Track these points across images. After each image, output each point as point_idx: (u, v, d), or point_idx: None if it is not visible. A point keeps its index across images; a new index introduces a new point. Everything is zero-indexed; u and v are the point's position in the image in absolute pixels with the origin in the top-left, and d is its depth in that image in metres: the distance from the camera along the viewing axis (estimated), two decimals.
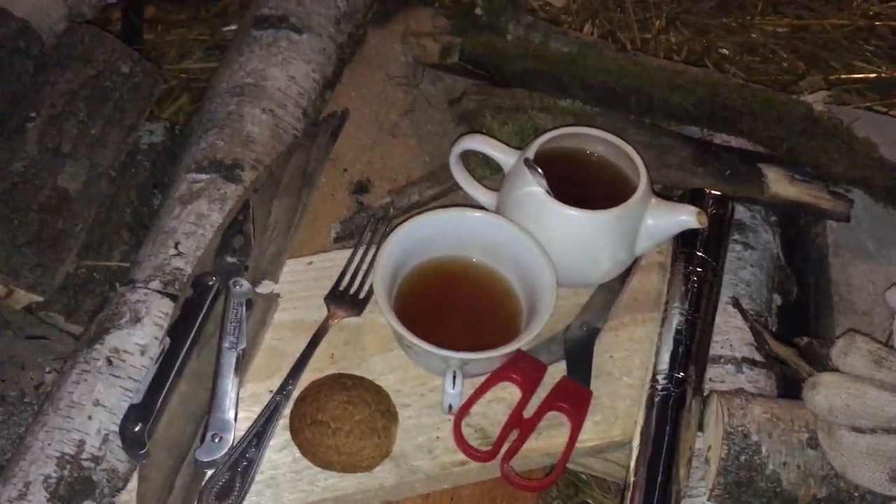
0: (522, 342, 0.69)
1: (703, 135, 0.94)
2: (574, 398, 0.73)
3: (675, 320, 0.77)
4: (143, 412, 0.65)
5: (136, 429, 0.64)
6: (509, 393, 0.73)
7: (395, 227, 0.74)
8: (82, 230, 0.81)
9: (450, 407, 0.68)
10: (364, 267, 0.78)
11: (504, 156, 0.78)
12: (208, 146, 0.86)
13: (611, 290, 0.80)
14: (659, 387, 0.73)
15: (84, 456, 0.67)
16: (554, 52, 0.99)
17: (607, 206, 0.74)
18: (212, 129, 0.88)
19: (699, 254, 0.81)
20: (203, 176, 0.83)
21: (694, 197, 0.84)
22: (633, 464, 0.70)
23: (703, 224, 0.75)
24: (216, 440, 0.65)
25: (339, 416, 0.67)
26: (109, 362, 0.70)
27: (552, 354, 0.75)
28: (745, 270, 0.86)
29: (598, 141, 0.79)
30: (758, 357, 0.79)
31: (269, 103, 0.90)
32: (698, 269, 0.80)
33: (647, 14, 1.25)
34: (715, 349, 0.80)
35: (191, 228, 0.80)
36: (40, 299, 0.80)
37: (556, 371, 0.75)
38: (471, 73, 0.99)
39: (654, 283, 0.82)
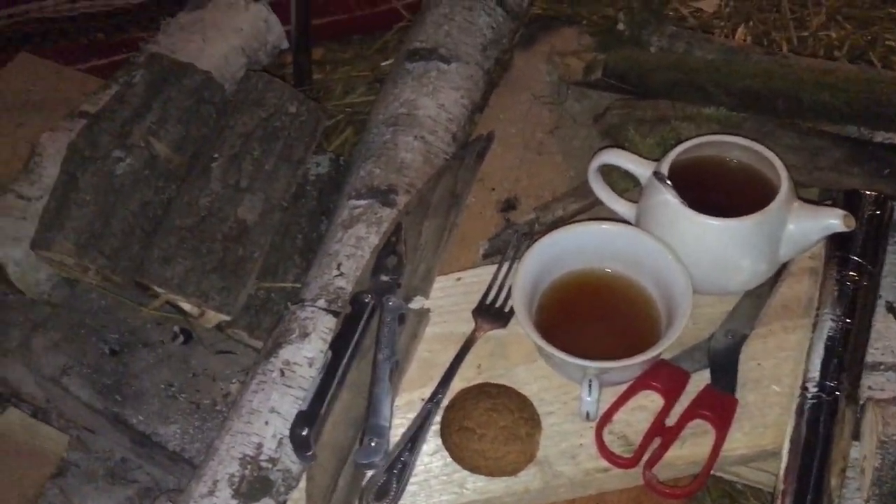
0: (659, 350, 0.70)
1: (861, 134, 0.91)
2: (718, 406, 0.73)
3: (827, 326, 0.75)
4: (309, 418, 0.72)
5: (304, 433, 0.71)
6: (652, 401, 0.75)
7: (533, 242, 0.77)
8: (260, 256, 0.90)
9: (587, 414, 0.70)
10: (509, 281, 0.82)
11: (639, 168, 0.79)
12: (366, 174, 0.94)
13: (758, 297, 0.79)
14: (809, 395, 0.72)
15: (262, 457, 0.75)
16: (697, 60, 0.99)
17: (749, 213, 0.74)
18: (370, 157, 0.95)
19: (854, 258, 0.78)
20: (362, 202, 0.91)
21: (848, 199, 0.82)
22: (782, 473, 0.70)
23: (851, 227, 0.73)
24: (373, 444, 0.71)
25: (484, 422, 0.71)
26: (282, 373, 0.79)
27: (695, 363, 0.76)
28: None
29: (736, 147, 0.79)
30: None
31: (420, 130, 0.96)
32: (852, 274, 0.77)
33: (804, 11, 1.21)
34: (874, 356, 0.77)
35: (351, 251, 0.87)
36: (228, 318, 0.91)
37: (700, 379, 0.75)
38: (615, 88, 1.01)
39: (806, 289, 0.80)
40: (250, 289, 0.91)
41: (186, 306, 0.90)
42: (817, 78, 0.91)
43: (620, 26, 1.04)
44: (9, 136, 1.10)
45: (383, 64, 1.20)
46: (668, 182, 0.74)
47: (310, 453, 0.71)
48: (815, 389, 0.72)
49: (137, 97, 0.92)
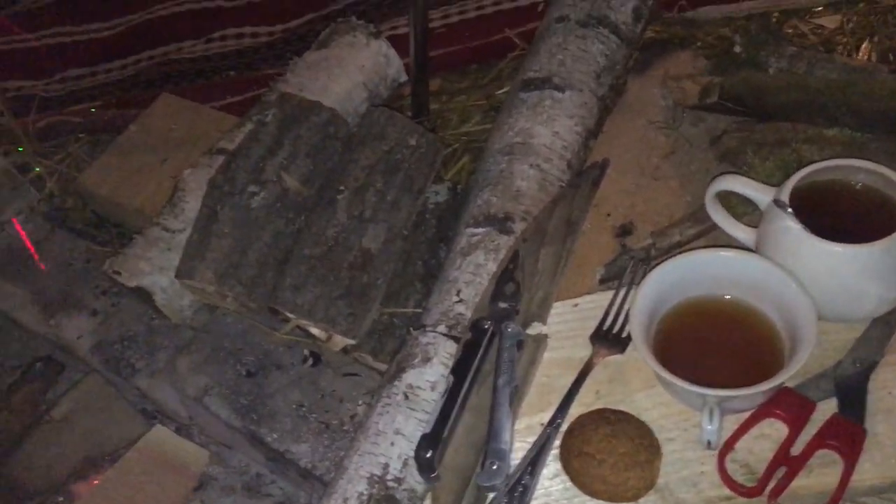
0: (782, 379, 0.70)
1: None
2: (847, 436, 0.72)
3: None
4: (432, 440, 0.75)
5: (427, 455, 0.74)
6: (776, 430, 0.74)
7: (651, 269, 0.78)
8: (383, 283, 0.94)
9: (709, 443, 0.70)
10: (626, 307, 0.83)
11: (758, 194, 0.79)
12: (483, 202, 0.97)
13: (887, 324, 0.77)
14: None
15: (389, 477, 0.79)
16: (818, 80, 0.97)
17: (876, 238, 0.73)
18: (486, 186, 0.98)
19: None
20: (479, 230, 0.94)
21: None
22: None
23: None
24: (494, 467, 0.73)
25: (604, 448, 0.72)
26: (406, 397, 0.82)
27: (821, 391, 0.75)
28: None
29: (861, 171, 0.77)
30: None
31: (535, 159, 0.98)
32: None
33: None
34: None
35: (470, 278, 0.90)
36: (353, 342, 0.95)
37: (827, 409, 0.74)
38: (732, 111, 1.01)
39: None
40: (374, 314, 0.95)
41: (315, 331, 0.95)
42: None
43: (737, 48, 1.03)
44: (154, 173, 1.19)
45: (498, 93, 1.23)
46: (790, 209, 0.73)
47: (434, 475, 0.74)
48: None
49: (270, 136, 0.98)
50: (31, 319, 1.12)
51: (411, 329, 0.89)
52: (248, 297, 0.94)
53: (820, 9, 1.21)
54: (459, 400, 0.77)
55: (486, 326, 0.81)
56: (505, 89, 1.23)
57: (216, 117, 1.25)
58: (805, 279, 0.74)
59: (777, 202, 0.74)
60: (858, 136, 0.90)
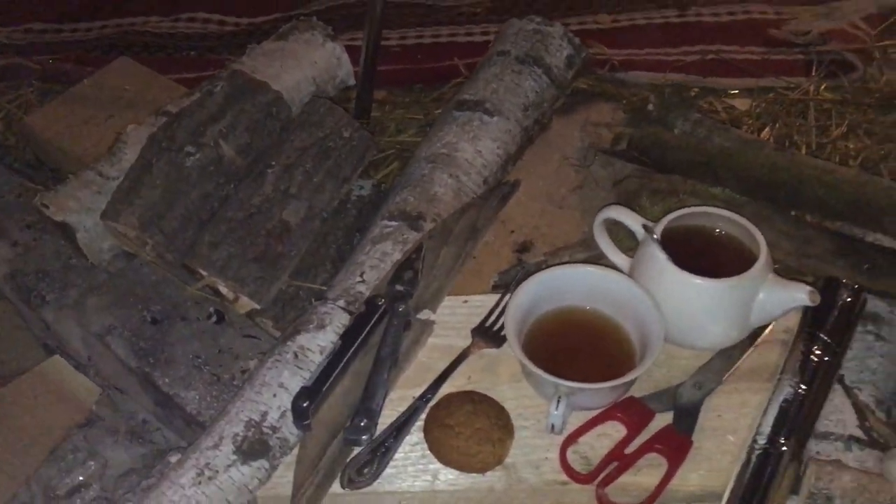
0: (625, 381, 0.79)
1: (851, 231, 0.99)
2: (675, 445, 0.81)
3: (785, 390, 0.83)
4: (311, 393, 0.82)
5: (304, 404, 0.81)
6: (616, 431, 0.83)
7: (530, 275, 0.87)
8: (296, 256, 1.01)
9: (552, 427, 0.79)
10: None
11: (638, 226, 0.89)
12: (401, 200, 1.05)
13: (729, 358, 0.88)
14: (758, 447, 0.79)
15: (266, 424, 0.85)
16: (714, 146, 1.09)
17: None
18: (406, 187, 1.07)
19: (822, 336, 0.86)
20: (393, 223, 1.02)
21: (828, 284, 0.90)
22: None
23: (816, 302, 0.81)
24: (362, 423, 0.80)
25: (463, 422, 0.80)
26: (296, 356, 0.89)
27: (662, 405, 0.84)
28: (872, 359, 0.90)
29: (724, 219, 0.88)
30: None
31: (455, 170, 1.07)
32: (818, 350, 0.85)
33: (828, 121, 1.30)
34: (827, 426, 0.84)
35: (375, 263, 0.98)
36: (258, 307, 1.02)
37: (664, 420, 0.83)
38: (637, 160, 1.12)
39: (774, 358, 0.88)
40: (282, 284, 1.02)
41: (224, 290, 1.02)
42: (818, 175, 1.00)
43: (650, 107, 1.15)
44: (99, 126, 1.24)
45: (437, 111, 1.32)
46: (658, 238, 0.83)
47: (307, 423, 0.81)
48: (764, 442, 0.79)
49: (215, 104, 1.05)
50: None
51: (313, 300, 0.96)
52: (167, 248, 1.00)
53: (736, 92, 1.34)
54: (343, 363, 0.84)
55: (380, 303, 0.89)
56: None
57: (169, 86, 1.31)
58: (663, 304, 0.83)
59: (646, 228, 0.84)
60: (738, 197, 1.01)
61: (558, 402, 0.77)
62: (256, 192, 1.01)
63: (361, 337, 0.86)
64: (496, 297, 0.94)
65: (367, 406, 0.81)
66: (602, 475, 0.79)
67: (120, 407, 1.10)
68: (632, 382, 0.82)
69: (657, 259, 0.84)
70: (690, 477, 0.80)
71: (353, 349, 0.85)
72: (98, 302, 1.05)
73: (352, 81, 1.27)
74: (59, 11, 1.72)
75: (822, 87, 1.34)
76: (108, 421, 1.09)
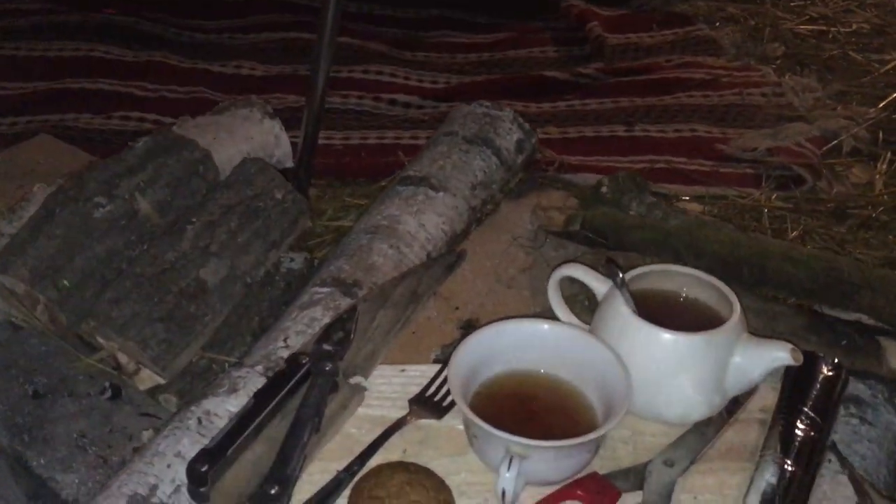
0: (587, 439, 0.67)
1: (821, 309, 0.92)
2: None
3: (770, 469, 0.71)
4: (212, 456, 0.67)
5: (203, 469, 0.66)
6: None
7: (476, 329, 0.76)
8: (211, 321, 0.89)
9: (503, 493, 0.66)
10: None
11: (597, 283, 0.80)
12: (335, 269, 0.95)
13: (703, 435, 0.76)
14: None
15: (154, 500, 0.70)
16: (672, 225, 1.02)
17: None
18: (342, 256, 0.97)
19: (806, 409, 0.76)
20: (324, 289, 0.91)
21: (807, 358, 0.81)
22: None
23: (798, 361, 0.72)
24: (272, 491, 0.66)
25: (396, 493, 0.67)
26: (199, 422, 0.75)
27: (628, 483, 0.72)
28: (860, 444, 0.80)
29: (690, 280, 0.80)
30: None
31: (396, 241, 0.98)
32: (801, 425, 0.75)
33: (783, 225, 1.26)
34: None
35: (302, 328, 0.86)
36: (162, 381, 0.88)
37: (632, 501, 0.71)
38: (591, 242, 1.04)
39: (753, 438, 0.77)
40: (192, 354, 0.89)
41: (123, 360, 0.88)
42: (783, 251, 0.94)
43: (604, 189, 1.09)
44: (5, 197, 1.13)
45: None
46: (622, 281, 0.74)
47: (203, 491, 0.66)
48: None
49: (134, 157, 0.96)
50: None
51: (227, 366, 0.83)
52: (60, 307, 0.87)
53: (687, 199, 1.31)
54: (254, 424, 0.71)
55: (304, 362, 0.77)
56: None
57: (88, 159, 1.22)
58: (630, 366, 0.73)
59: (611, 269, 0.75)
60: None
61: (510, 462, 0.65)
62: (172, 248, 0.90)
63: (279, 398, 0.73)
64: (437, 367, 0.83)
65: (279, 472, 0.67)
66: None
67: None
68: (595, 447, 0.70)
69: (621, 314, 0.75)
70: None
71: (267, 410, 0.72)
72: None
73: (289, 163, 1.20)
74: None
75: (773, 196, 1.32)
76: None
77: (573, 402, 0.74)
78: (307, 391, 0.74)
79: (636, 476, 0.72)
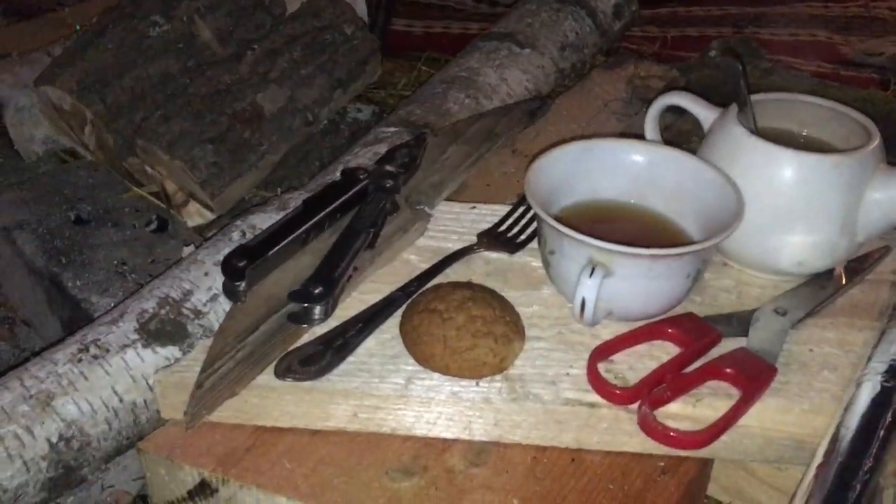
0: (685, 251, 0.56)
1: None
2: (751, 371, 0.57)
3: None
4: (250, 252, 0.59)
5: (240, 263, 0.58)
6: (667, 354, 0.59)
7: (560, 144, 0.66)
8: (267, 153, 0.81)
9: (582, 305, 0.55)
10: (528, 217, 0.70)
11: (707, 112, 0.69)
12: (405, 112, 0.86)
13: (822, 288, 0.64)
14: (868, 380, 0.55)
15: (187, 305, 0.62)
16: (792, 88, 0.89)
17: None
18: (413, 103, 0.88)
19: None
20: (391, 129, 0.82)
21: None
22: (812, 470, 0.52)
23: None
24: (316, 290, 0.57)
25: (456, 307, 0.57)
26: (244, 234, 0.67)
27: (730, 328, 0.61)
28: None
29: (818, 114, 0.67)
30: None
31: (475, 92, 0.89)
32: None
33: None
34: None
35: (364, 162, 0.77)
36: (211, 217, 0.81)
37: (734, 345, 0.59)
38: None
39: (883, 298, 0.65)
40: (245, 188, 0.81)
41: (172, 189, 0.81)
42: None
43: (713, 53, 0.96)
44: (61, 25, 1.07)
45: None
46: (746, 95, 0.62)
47: (240, 288, 0.58)
48: (883, 378, 0.55)
49: None
50: None
51: (279, 190, 0.75)
52: (107, 124, 0.80)
53: None
54: (302, 230, 0.62)
55: (362, 177, 0.68)
56: None
57: None
58: (742, 191, 0.61)
59: (736, 79, 0.63)
60: None
61: (592, 270, 0.54)
62: (228, 72, 0.82)
63: (331, 208, 0.64)
64: (510, 207, 0.73)
65: (323, 273, 0.59)
66: (647, 396, 0.55)
67: (22, 344, 0.87)
68: (693, 274, 0.59)
69: (732, 133, 0.63)
70: (771, 416, 0.56)
71: (316, 218, 0.63)
72: (16, 196, 0.84)
73: (365, 19, 1.11)
74: None
75: None
76: (3, 359, 0.85)
77: (668, 236, 0.63)
78: (362, 206, 0.65)
79: (740, 322, 0.61)
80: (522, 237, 0.69)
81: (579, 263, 0.57)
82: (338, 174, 0.75)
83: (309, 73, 0.84)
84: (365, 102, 0.95)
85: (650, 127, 0.71)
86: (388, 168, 0.70)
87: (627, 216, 0.65)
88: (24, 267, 0.80)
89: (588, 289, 0.54)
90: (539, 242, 0.63)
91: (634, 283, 0.57)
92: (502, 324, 0.57)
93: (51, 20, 1.14)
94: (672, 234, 0.64)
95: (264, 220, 0.68)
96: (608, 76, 1.02)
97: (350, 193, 0.66)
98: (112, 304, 0.75)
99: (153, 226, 0.82)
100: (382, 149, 0.79)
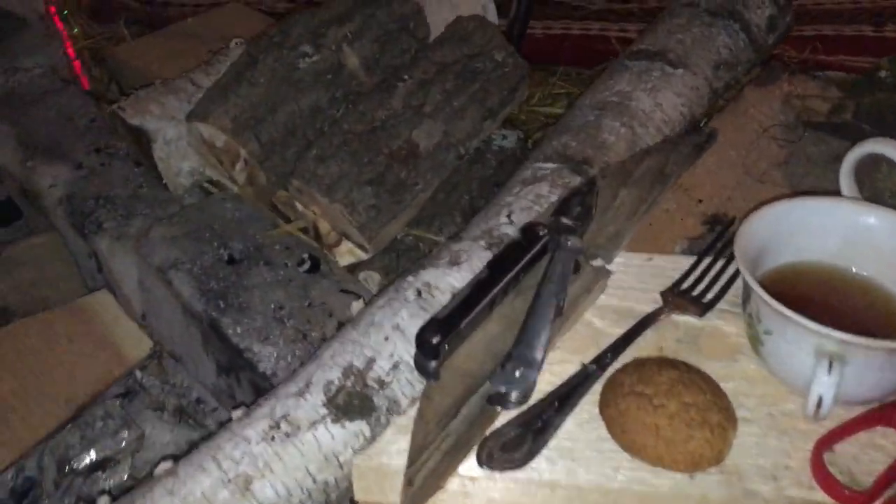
0: None
1: None
2: None
3: None
4: (444, 326, 0.57)
5: (434, 340, 0.56)
6: (892, 442, 0.55)
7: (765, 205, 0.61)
8: (421, 192, 0.78)
9: (818, 404, 0.51)
10: (713, 273, 0.66)
11: None
12: (560, 144, 0.82)
13: None
14: None
15: (371, 375, 0.60)
16: None
17: None
18: (566, 132, 0.84)
19: None
20: (549, 165, 0.78)
21: None
22: None
23: None
24: (517, 373, 0.55)
25: (666, 392, 0.54)
26: (419, 293, 0.64)
27: None
28: None
29: None
30: None
31: (629, 119, 0.84)
32: None
33: None
34: None
35: (527, 204, 0.74)
36: (364, 257, 0.78)
37: None
38: (867, 134, 0.86)
39: None
40: (399, 228, 0.79)
41: (324, 228, 0.79)
42: None
43: (882, 73, 0.90)
44: (197, 58, 1.06)
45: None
46: None
47: (435, 366, 0.56)
48: None
49: (342, 4, 0.85)
50: (5, 157, 0.97)
51: (444, 238, 0.72)
52: (262, 162, 0.78)
53: None
54: (489, 298, 0.59)
55: (542, 233, 0.64)
56: None
57: None
58: None
59: None
60: None
61: (830, 365, 0.50)
62: (383, 106, 0.79)
63: (516, 270, 0.61)
64: (689, 259, 0.69)
65: (522, 350, 0.56)
66: (882, 499, 0.51)
67: (172, 379, 0.87)
68: None
69: None
70: None
71: (503, 283, 0.60)
72: (166, 231, 0.83)
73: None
74: None
75: None
76: (153, 394, 0.85)
77: (888, 308, 0.58)
78: (547, 267, 0.62)
79: None
80: (710, 296, 0.64)
81: (805, 350, 0.52)
82: (503, 218, 0.72)
83: (462, 105, 0.81)
84: (506, 125, 0.91)
85: (846, 183, 0.67)
86: (566, 221, 0.66)
87: (837, 283, 0.61)
88: (180, 307, 0.79)
89: (827, 387, 0.50)
90: (744, 309, 0.59)
91: (866, 371, 0.52)
92: (716, 411, 0.54)
93: (177, 32, 1.13)
94: (892, 305, 0.59)
95: (437, 277, 0.66)
96: (762, 95, 0.96)
97: (532, 253, 0.62)
98: (275, 354, 0.73)
99: (306, 265, 0.80)
100: (544, 189, 0.75)
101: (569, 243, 0.64)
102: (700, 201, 0.83)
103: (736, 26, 0.95)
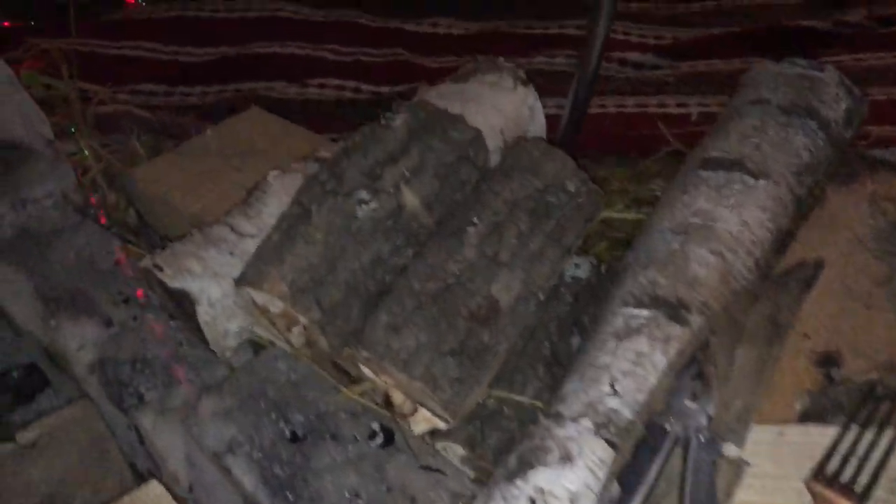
0: None
1: None
2: None
3: None
4: None
5: None
6: None
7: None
8: (504, 351, 0.70)
9: None
10: (861, 451, 0.58)
11: None
12: (648, 282, 0.74)
13: None
14: None
15: None
16: None
17: None
18: (650, 265, 0.76)
19: None
20: (643, 311, 0.70)
21: None
22: None
23: None
24: None
25: None
26: (532, 502, 0.56)
27: None
28: None
29: None
30: None
31: (717, 245, 0.77)
32: None
33: None
34: None
35: (629, 367, 0.66)
36: (443, 426, 0.70)
37: None
38: None
39: None
40: (481, 393, 0.70)
41: (398, 398, 0.71)
42: None
43: None
44: (223, 179, 0.98)
45: (650, 186, 1.03)
46: None
47: None
48: None
49: (395, 139, 0.77)
50: (25, 314, 0.88)
51: (540, 416, 0.64)
52: (323, 329, 0.70)
53: None
54: None
55: (668, 428, 0.56)
56: (652, 187, 1.04)
57: (310, 137, 1.06)
58: None
59: None
60: None
61: None
62: (453, 257, 0.71)
63: (649, 483, 0.53)
64: (826, 429, 0.61)
65: None
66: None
67: None
68: None
69: None
70: None
71: (639, 501, 0.52)
72: (216, 405, 0.75)
73: (544, 134, 0.99)
74: (170, 75, 1.52)
75: None
76: None
77: None
78: (683, 478, 0.54)
79: None
80: (864, 478, 0.57)
81: None
82: (606, 387, 0.64)
83: (539, 247, 0.73)
84: (578, 252, 0.84)
85: None
86: (690, 404, 0.58)
87: None
88: (241, 498, 0.70)
89: None
90: None
91: None
92: None
93: (196, 148, 1.05)
94: None
95: (551, 480, 0.57)
96: (846, 198, 0.89)
97: (664, 456, 0.54)
98: None
99: (379, 439, 0.72)
100: (643, 345, 0.67)
101: (702, 437, 0.56)
102: (806, 336, 0.75)
103: (813, 124, 0.88)
